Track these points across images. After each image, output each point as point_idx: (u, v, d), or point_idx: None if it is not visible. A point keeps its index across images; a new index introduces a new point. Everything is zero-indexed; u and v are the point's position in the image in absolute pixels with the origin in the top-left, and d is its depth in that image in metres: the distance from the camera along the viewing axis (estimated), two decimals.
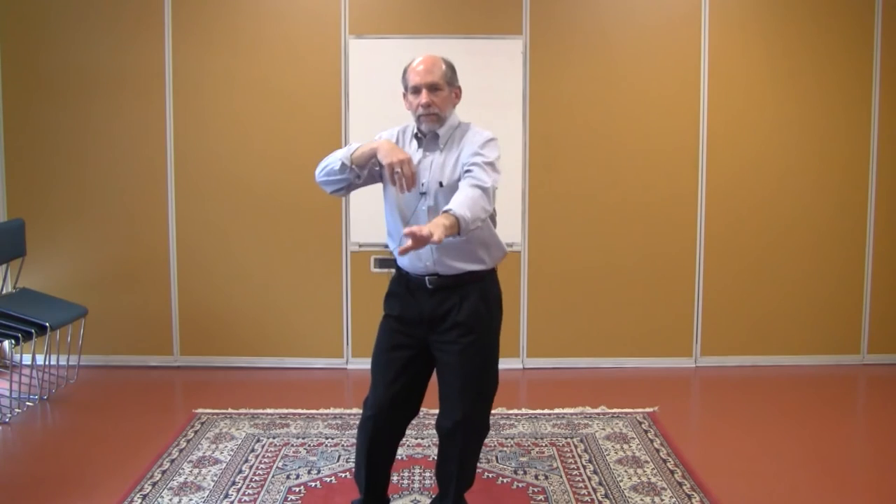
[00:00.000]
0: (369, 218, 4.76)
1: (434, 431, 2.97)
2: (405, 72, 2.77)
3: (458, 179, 2.68)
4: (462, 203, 2.49)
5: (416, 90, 2.72)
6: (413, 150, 2.79)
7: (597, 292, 4.98)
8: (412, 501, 3.19)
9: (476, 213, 2.50)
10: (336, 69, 4.82)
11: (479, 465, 3.48)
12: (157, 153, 4.88)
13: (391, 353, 2.81)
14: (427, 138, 2.77)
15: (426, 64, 2.73)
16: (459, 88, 2.83)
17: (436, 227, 2.36)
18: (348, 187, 2.80)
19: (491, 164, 2.66)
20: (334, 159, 2.75)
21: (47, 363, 4.56)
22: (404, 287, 2.83)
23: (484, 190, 2.58)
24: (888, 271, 5.04)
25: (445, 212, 2.47)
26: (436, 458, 2.97)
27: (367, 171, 2.75)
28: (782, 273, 5.01)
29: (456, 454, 2.83)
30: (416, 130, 2.79)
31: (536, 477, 3.41)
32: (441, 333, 2.78)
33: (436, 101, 2.71)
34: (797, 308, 5.04)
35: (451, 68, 2.78)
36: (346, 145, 2.83)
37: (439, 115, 2.73)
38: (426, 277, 2.76)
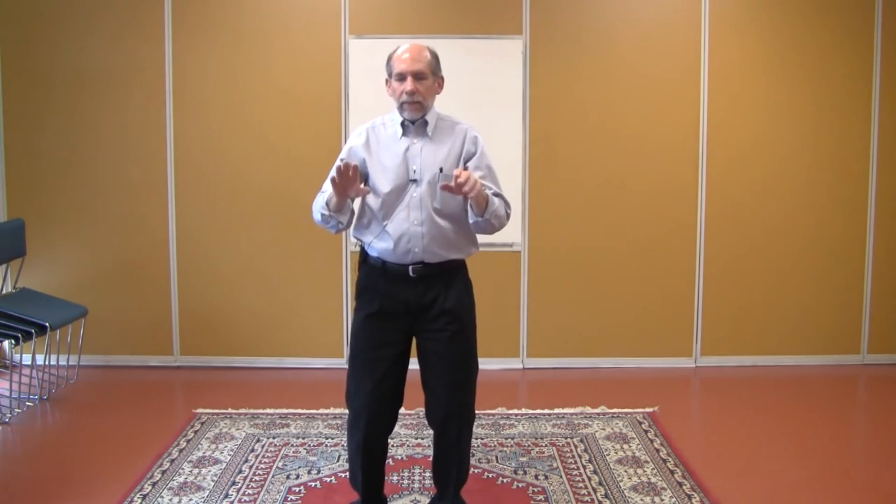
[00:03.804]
0: None
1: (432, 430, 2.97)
2: (389, 59, 2.79)
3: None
4: (495, 201, 2.73)
5: (402, 77, 2.74)
6: (395, 140, 2.80)
7: (597, 292, 4.98)
8: (412, 501, 3.19)
9: (500, 215, 2.75)
10: (336, 69, 4.82)
11: (479, 464, 3.49)
12: (157, 153, 4.88)
13: (377, 350, 2.79)
14: (415, 126, 2.79)
15: (412, 52, 2.75)
16: (442, 78, 2.85)
17: (477, 183, 2.58)
18: (348, 223, 2.82)
19: (496, 177, 2.85)
20: (316, 212, 2.77)
21: (47, 363, 4.56)
22: (381, 279, 2.79)
23: (506, 203, 2.83)
24: (888, 271, 5.04)
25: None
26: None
27: (346, 216, 2.75)
28: (782, 273, 5.01)
29: (454, 444, 2.84)
30: (401, 119, 2.80)
31: (536, 477, 3.41)
32: (428, 322, 2.79)
33: (420, 89, 2.73)
34: (797, 308, 5.04)
35: (435, 58, 2.80)
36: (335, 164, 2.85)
37: (422, 104, 2.76)
38: (410, 266, 2.76)
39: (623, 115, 4.89)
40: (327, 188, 2.75)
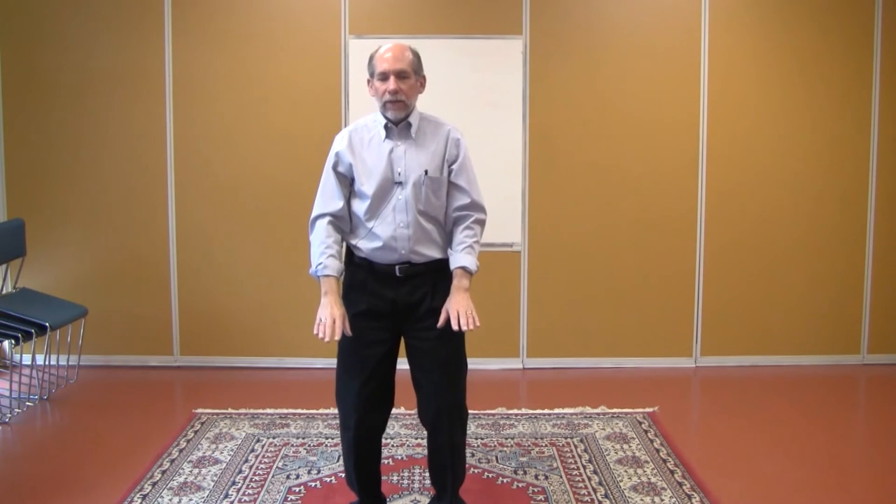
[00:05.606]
0: None
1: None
2: (371, 59, 2.78)
3: (441, 174, 2.79)
4: (471, 252, 2.77)
5: (384, 77, 2.73)
6: (379, 142, 2.79)
7: (597, 292, 4.98)
8: (412, 501, 3.19)
9: (478, 249, 2.82)
10: (336, 69, 4.82)
11: (479, 464, 3.49)
12: (157, 153, 4.88)
13: (364, 350, 2.80)
14: (399, 127, 2.79)
15: (394, 51, 2.74)
16: (424, 78, 2.85)
17: (467, 306, 2.66)
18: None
19: (476, 182, 2.86)
20: (313, 270, 2.77)
21: (47, 363, 4.56)
22: (368, 279, 2.80)
23: (482, 223, 2.85)
24: (888, 271, 5.04)
25: (461, 268, 2.73)
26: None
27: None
28: (782, 273, 5.01)
29: (447, 442, 2.84)
30: (384, 121, 2.79)
31: (536, 477, 3.41)
32: (416, 321, 2.80)
33: (403, 88, 2.73)
34: (797, 308, 5.04)
35: (417, 57, 2.80)
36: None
37: (405, 103, 2.75)
38: (396, 266, 2.76)
39: (623, 115, 4.89)
40: (320, 206, 2.80)
